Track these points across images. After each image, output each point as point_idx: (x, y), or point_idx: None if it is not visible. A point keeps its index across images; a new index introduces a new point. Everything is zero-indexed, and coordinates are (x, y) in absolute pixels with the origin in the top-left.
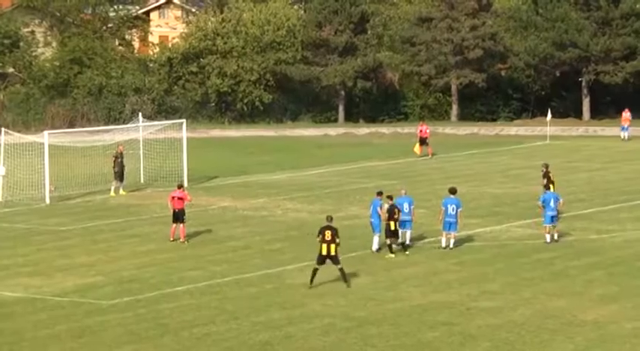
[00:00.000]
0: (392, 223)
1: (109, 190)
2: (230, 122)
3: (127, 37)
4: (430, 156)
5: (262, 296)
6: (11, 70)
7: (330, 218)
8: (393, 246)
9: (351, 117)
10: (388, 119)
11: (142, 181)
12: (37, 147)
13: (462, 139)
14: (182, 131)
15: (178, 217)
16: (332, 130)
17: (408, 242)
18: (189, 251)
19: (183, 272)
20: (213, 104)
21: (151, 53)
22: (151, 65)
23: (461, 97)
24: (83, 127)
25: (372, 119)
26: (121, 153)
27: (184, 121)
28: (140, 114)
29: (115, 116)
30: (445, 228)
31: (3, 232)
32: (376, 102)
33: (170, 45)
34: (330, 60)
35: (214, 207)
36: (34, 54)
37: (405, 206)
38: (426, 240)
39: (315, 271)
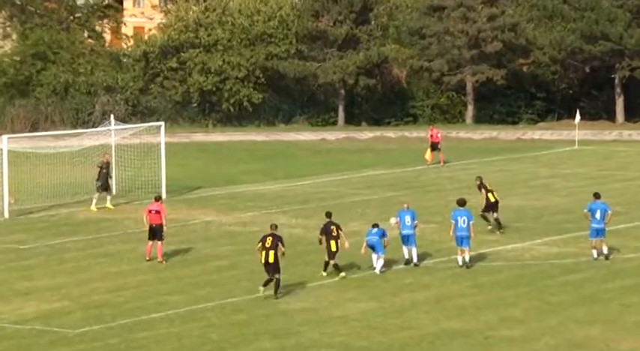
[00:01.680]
0: (333, 243)
1: (79, 202)
2: (215, 125)
3: (97, 28)
4: (442, 164)
5: (252, 323)
6: None
7: (274, 226)
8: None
9: (353, 119)
10: (394, 122)
11: (114, 192)
12: None
13: (479, 145)
14: (160, 135)
15: (155, 233)
16: (330, 134)
17: (415, 261)
18: (168, 272)
19: (161, 296)
20: (196, 105)
21: (125, 47)
22: (125, 60)
23: (477, 97)
24: (47, 130)
25: (376, 122)
26: (107, 163)
27: (162, 124)
28: (112, 116)
29: (84, 118)
30: (458, 243)
31: None
32: (381, 102)
33: (146, 37)
34: (329, 54)
35: (196, 222)
36: None
37: (407, 219)
38: (438, 259)
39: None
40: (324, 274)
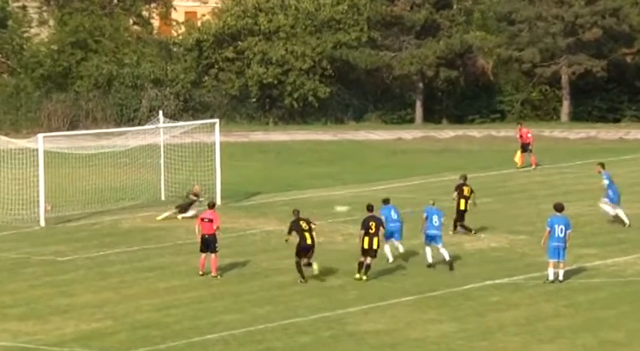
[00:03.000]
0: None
1: (124, 209)
2: (276, 123)
3: (144, 13)
4: (534, 166)
5: (317, 347)
6: None
7: (297, 212)
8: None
9: (432, 116)
10: (479, 119)
11: (162, 198)
12: (30, 154)
13: (575, 145)
14: (214, 134)
15: (209, 244)
16: (407, 133)
17: (448, 258)
18: (223, 288)
19: (216, 316)
20: (255, 100)
21: (175, 34)
22: (175, 50)
23: (573, 91)
24: (88, 128)
25: (458, 119)
26: (196, 194)
27: (217, 121)
28: (161, 112)
29: (129, 115)
30: (552, 255)
31: None
32: (464, 97)
33: (199, 24)
34: (405, 43)
35: (255, 231)
36: (25, 35)
37: (435, 219)
38: (529, 275)
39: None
40: (358, 276)
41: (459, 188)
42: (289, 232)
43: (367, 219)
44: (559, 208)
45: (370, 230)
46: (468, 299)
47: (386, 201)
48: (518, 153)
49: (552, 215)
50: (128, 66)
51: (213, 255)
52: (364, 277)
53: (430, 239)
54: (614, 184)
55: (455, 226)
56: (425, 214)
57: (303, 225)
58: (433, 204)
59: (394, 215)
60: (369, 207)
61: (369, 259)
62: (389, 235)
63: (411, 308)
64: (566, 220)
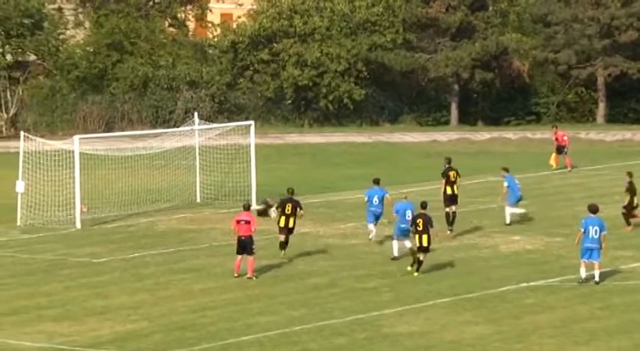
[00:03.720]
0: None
1: (160, 211)
2: (311, 125)
3: (179, 15)
4: (569, 169)
5: (352, 348)
6: (33, 57)
7: (291, 191)
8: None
9: (467, 118)
10: (515, 121)
11: (198, 200)
12: (66, 156)
13: (611, 147)
14: (249, 136)
15: (245, 246)
16: (442, 135)
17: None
18: (259, 290)
19: (251, 317)
20: (290, 102)
21: (211, 36)
22: (211, 52)
23: (609, 93)
24: (123, 130)
25: (493, 121)
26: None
27: (252, 123)
28: (196, 114)
29: (165, 117)
30: (584, 255)
31: (22, 264)
32: (499, 99)
33: (235, 26)
34: (440, 45)
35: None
36: (61, 37)
37: (408, 214)
38: (565, 277)
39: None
40: (410, 270)
41: (446, 173)
42: (277, 208)
43: (416, 217)
44: (593, 209)
45: (418, 227)
46: (504, 301)
47: (376, 181)
48: (553, 155)
49: (586, 216)
50: (164, 68)
51: (250, 257)
52: (415, 273)
53: (403, 233)
54: (516, 187)
55: (450, 222)
56: (396, 210)
57: (287, 208)
58: (405, 198)
59: (376, 201)
60: (423, 204)
61: (421, 256)
62: (373, 219)
63: (446, 310)
64: (600, 222)
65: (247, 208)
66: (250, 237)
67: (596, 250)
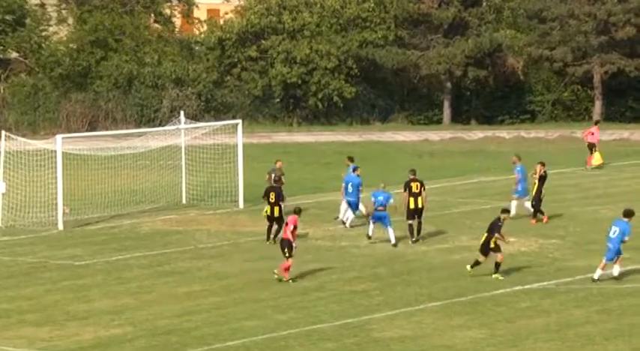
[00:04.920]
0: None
1: (144, 212)
2: (300, 123)
3: (165, 11)
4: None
5: None
6: (14, 55)
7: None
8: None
9: (460, 117)
10: (509, 120)
11: (183, 201)
12: (48, 156)
13: (608, 147)
14: (237, 135)
15: (283, 248)
16: (434, 134)
17: (393, 241)
18: (245, 294)
19: (237, 321)
20: (278, 100)
21: (197, 33)
22: (197, 49)
23: (606, 91)
24: (107, 129)
25: (487, 120)
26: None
27: (240, 121)
28: (182, 113)
29: (150, 116)
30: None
31: (2, 267)
32: (493, 97)
33: (222, 22)
34: (433, 41)
35: (278, 235)
36: (44, 34)
37: (391, 202)
38: (560, 280)
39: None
40: (495, 276)
41: (408, 185)
42: (263, 197)
43: (495, 221)
44: (627, 213)
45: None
46: (497, 305)
47: (351, 159)
48: (596, 154)
49: (617, 217)
50: (149, 65)
51: (288, 259)
52: (500, 277)
53: (378, 219)
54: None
55: (417, 232)
56: (373, 198)
57: (272, 197)
58: (384, 187)
59: (350, 189)
60: (412, 171)
61: (499, 256)
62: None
63: (438, 314)
64: (625, 225)
65: (297, 212)
66: (288, 240)
67: (612, 250)
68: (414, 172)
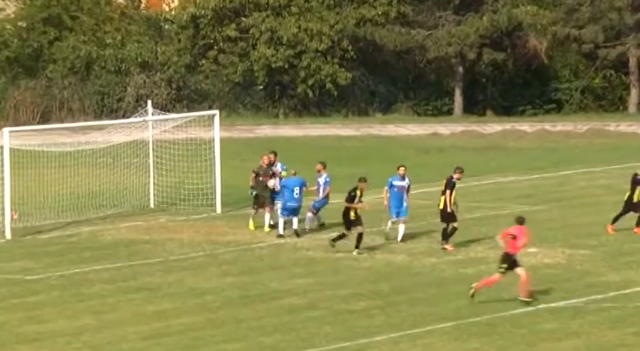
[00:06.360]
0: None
1: (106, 218)
2: (287, 115)
3: None
4: None
5: None
6: None
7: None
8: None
9: (474, 107)
10: (531, 110)
11: (151, 205)
12: None
13: None
14: (213, 128)
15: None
16: (444, 127)
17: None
18: (224, 313)
19: (214, 345)
20: (262, 87)
21: (167, 9)
22: (167, 27)
23: None
24: (62, 121)
25: (505, 110)
26: (271, 164)
27: (217, 112)
28: (149, 102)
29: (112, 106)
30: None
31: None
32: (513, 84)
33: None
34: (442, 19)
35: (262, 245)
36: None
37: (296, 190)
38: (591, 297)
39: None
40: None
41: (454, 185)
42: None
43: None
44: None
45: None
46: (518, 326)
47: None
48: None
49: None
50: (111, 47)
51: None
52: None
53: (289, 212)
54: None
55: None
56: (282, 185)
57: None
58: (295, 174)
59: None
60: (519, 219)
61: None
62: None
63: (449, 336)
64: None
65: (520, 221)
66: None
67: None
68: (460, 170)
